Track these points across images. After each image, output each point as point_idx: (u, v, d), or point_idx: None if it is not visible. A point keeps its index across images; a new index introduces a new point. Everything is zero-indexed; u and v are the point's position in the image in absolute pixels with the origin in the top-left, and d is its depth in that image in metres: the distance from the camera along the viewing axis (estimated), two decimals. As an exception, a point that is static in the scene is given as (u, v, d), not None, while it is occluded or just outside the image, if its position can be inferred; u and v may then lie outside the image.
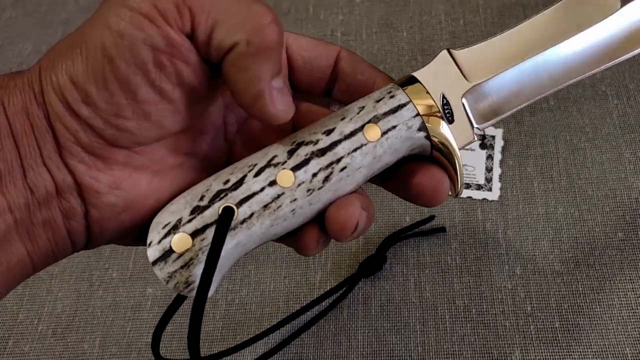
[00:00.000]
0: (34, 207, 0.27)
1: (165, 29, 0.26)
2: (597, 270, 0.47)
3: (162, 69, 0.26)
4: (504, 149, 0.54)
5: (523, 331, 0.46)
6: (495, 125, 0.55)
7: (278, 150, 0.30)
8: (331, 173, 0.29)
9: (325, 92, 0.34)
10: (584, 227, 0.50)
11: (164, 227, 0.28)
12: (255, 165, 0.29)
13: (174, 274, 0.28)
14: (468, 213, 0.52)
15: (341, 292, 0.48)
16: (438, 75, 0.32)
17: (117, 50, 0.25)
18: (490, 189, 0.52)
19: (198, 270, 0.28)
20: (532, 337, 0.45)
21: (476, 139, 0.32)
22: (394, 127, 0.30)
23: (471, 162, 0.54)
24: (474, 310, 0.47)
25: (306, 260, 0.51)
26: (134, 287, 0.51)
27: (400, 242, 0.51)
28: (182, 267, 0.28)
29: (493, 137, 0.55)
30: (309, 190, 0.29)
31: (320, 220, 0.31)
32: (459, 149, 0.31)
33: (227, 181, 0.29)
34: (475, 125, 0.32)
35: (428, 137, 0.31)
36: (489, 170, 0.53)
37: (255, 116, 0.29)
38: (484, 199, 0.52)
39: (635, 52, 0.33)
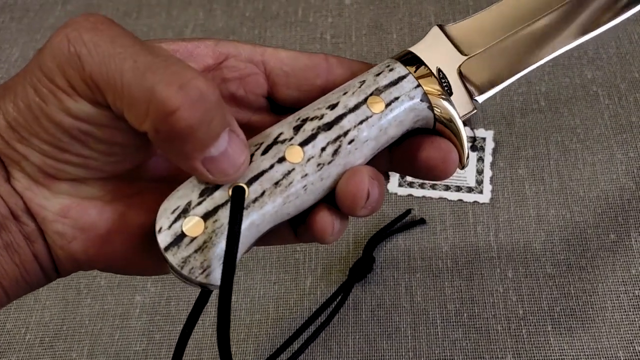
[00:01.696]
0: None
1: (80, 102, 0.25)
2: (589, 273, 0.47)
3: (89, 135, 0.26)
4: (494, 151, 0.54)
5: (515, 335, 0.45)
6: (486, 127, 0.55)
7: (283, 128, 0.29)
8: (340, 146, 0.29)
9: None
10: (576, 229, 0.49)
11: (173, 212, 0.27)
12: (262, 143, 0.28)
13: (188, 259, 0.26)
14: (459, 216, 0.51)
15: (337, 301, 0.47)
16: (432, 50, 0.32)
17: (42, 112, 0.25)
18: (481, 192, 0.52)
19: (213, 253, 0.27)
20: (524, 341, 0.45)
21: (476, 109, 0.32)
22: (397, 98, 0.30)
23: (462, 165, 0.53)
24: (465, 314, 0.47)
25: (296, 265, 0.51)
26: (122, 295, 0.50)
27: (387, 241, 0.50)
28: (196, 251, 0.27)
29: (484, 139, 0.54)
30: (319, 164, 0.28)
31: (330, 201, 0.30)
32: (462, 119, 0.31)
33: None
34: (474, 96, 0.32)
35: (430, 107, 0.31)
36: (479, 172, 0.53)
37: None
38: (475, 201, 0.51)
39: (635, 10, 0.33)
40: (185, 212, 0.27)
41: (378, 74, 0.31)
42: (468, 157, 0.31)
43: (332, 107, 0.29)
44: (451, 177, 0.53)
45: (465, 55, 0.32)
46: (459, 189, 0.52)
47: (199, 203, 0.27)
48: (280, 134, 0.29)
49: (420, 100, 0.30)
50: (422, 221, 0.51)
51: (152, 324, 0.49)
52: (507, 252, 0.49)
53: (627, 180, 0.51)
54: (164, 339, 0.48)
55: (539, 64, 0.32)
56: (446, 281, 0.48)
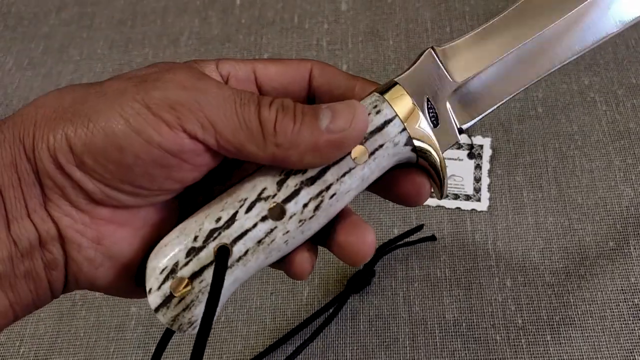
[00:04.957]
0: (17, 260, 0.27)
1: (181, 136, 0.26)
2: (588, 281, 0.47)
3: (169, 169, 0.27)
4: (492, 158, 0.53)
5: (514, 345, 0.45)
6: (484, 134, 0.55)
7: (267, 182, 0.29)
8: (321, 202, 0.29)
9: None
10: (575, 236, 0.49)
11: (161, 272, 0.28)
12: (246, 199, 0.29)
13: (177, 317, 0.28)
14: (457, 224, 0.51)
15: (331, 310, 0.47)
16: (423, 78, 0.31)
17: (127, 141, 0.26)
18: (479, 200, 0.52)
19: (199, 309, 0.28)
20: (523, 351, 0.44)
21: (460, 139, 0.32)
22: (381, 146, 0.30)
23: (459, 172, 0.53)
24: (464, 324, 0.46)
25: (293, 275, 0.50)
26: (117, 307, 0.50)
27: (388, 254, 0.50)
28: (184, 310, 0.28)
29: (481, 146, 0.54)
30: (300, 221, 0.29)
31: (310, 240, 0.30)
32: (444, 151, 0.31)
33: (219, 219, 0.29)
34: (458, 126, 0.32)
35: (414, 149, 0.30)
36: (477, 180, 0.52)
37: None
38: (472, 209, 0.51)
39: (617, 30, 0.33)
40: (173, 272, 0.28)
41: None
42: (447, 189, 0.32)
43: None
44: (449, 185, 0.52)
45: (457, 80, 0.31)
46: (456, 196, 0.52)
47: (186, 264, 0.28)
48: (264, 189, 0.29)
49: (405, 144, 0.30)
50: (432, 238, 0.50)
51: (148, 336, 0.48)
52: (506, 261, 0.48)
53: (625, 188, 0.50)
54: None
55: (532, 83, 0.32)
56: (444, 290, 0.48)
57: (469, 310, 0.47)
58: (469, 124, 0.32)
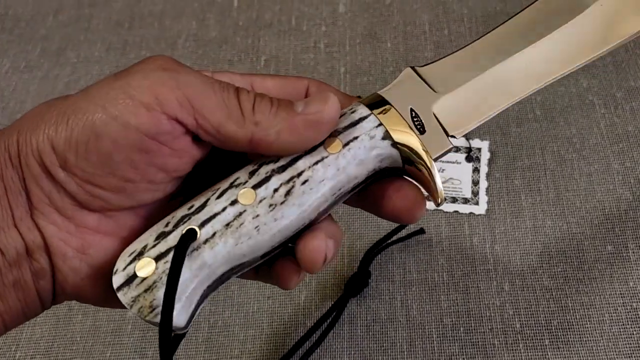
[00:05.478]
0: (5, 269, 0.27)
1: (158, 117, 0.26)
2: (586, 285, 0.46)
3: (149, 154, 0.27)
4: (490, 162, 0.53)
5: (512, 349, 0.45)
6: (482, 137, 0.54)
7: (241, 173, 0.30)
8: (292, 187, 0.29)
9: None
10: (573, 240, 0.49)
11: (130, 255, 0.28)
12: (219, 188, 0.30)
13: (137, 298, 0.28)
14: (455, 228, 0.51)
15: (332, 317, 0.47)
16: (404, 91, 0.32)
17: (106, 128, 0.26)
18: (477, 203, 0.51)
19: (162, 293, 0.28)
20: (521, 356, 0.44)
21: (453, 146, 0.32)
22: (356, 137, 0.30)
23: (457, 176, 0.53)
24: (462, 328, 0.46)
25: (290, 279, 0.50)
26: (114, 311, 0.50)
27: (382, 254, 0.50)
28: (145, 291, 0.28)
29: (479, 149, 0.54)
30: (270, 205, 0.29)
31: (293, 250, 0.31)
32: (437, 158, 0.31)
33: (192, 206, 0.29)
34: (450, 133, 0.32)
35: (395, 145, 0.30)
36: (475, 183, 0.52)
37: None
38: (470, 213, 0.51)
39: (602, 52, 0.33)
40: (140, 254, 0.28)
41: (340, 117, 0.31)
42: (441, 196, 0.31)
43: None
44: (447, 188, 0.52)
45: (440, 93, 0.32)
46: (454, 200, 0.52)
47: (154, 246, 0.28)
48: (237, 178, 0.30)
49: (382, 138, 0.30)
50: (421, 231, 0.50)
51: (144, 341, 0.48)
52: (504, 265, 0.48)
53: (623, 191, 0.50)
54: (156, 355, 0.47)
55: (514, 102, 0.32)
56: (442, 295, 0.48)
57: (466, 314, 0.46)
58: (460, 133, 0.32)
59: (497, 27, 0.34)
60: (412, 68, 0.33)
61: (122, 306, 0.30)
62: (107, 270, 0.29)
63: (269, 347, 0.47)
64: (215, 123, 0.27)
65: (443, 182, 0.52)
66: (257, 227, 0.29)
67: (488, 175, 0.53)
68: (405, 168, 0.31)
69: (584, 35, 0.32)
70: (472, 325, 0.46)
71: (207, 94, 0.27)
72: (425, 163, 0.30)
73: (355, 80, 0.61)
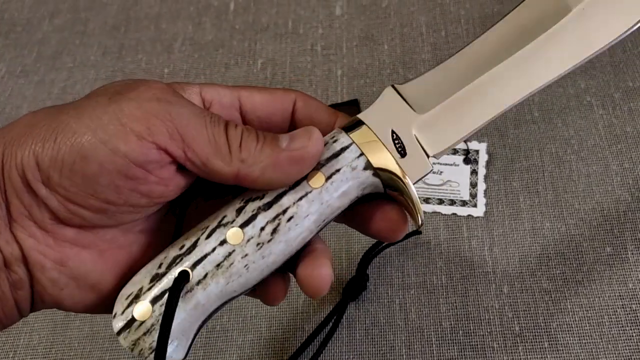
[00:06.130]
0: None
1: (147, 146, 0.27)
2: (585, 287, 0.46)
3: (134, 180, 0.27)
4: (488, 164, 0.53)
5: (511, 352, 0.44)
6: (479, 139, 0.54)
7: (228, 210, 0.30)
8: (279, 225, 0.30)
9: None
10: (572, 242, 0.48)
11: (127, 298, 0.29)
12: (207, 227, 0.30)
13: (137, 341, 0.29)
14: (453, 230, 0.50)
15: (332, 323, 0.46)
16: (386, 113, 0.32)
17: (94, 152, 0.26)
18: (475, 205, 0.51)
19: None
20: (520, 358, 0.44)
21: (433, 168, 0.32)
22: (338, 170, 0.30)
23: (455, 178, 0.53)
24: (461, 331, 0.46)
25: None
26: (111, 317, 0.50)
27: (381, 257, 0.49)
28: (144, 334, 0.29)
29: (477, 151, 0.54)
30: (258, 244, 0.30)
31: (281, 269, 0.31)
32: (417, 181, 0.32)
33: (183, 246, 0.30)
34: (430, 154, 0.32)
35: (376, 174, 0.31)
36: (473, 185, 0.52)
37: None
38: (469, 215, 0.51)
39: (583, 59, 0.33)
40: (137, 297, 0.29)
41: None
42: (422, 218, 0.32)
43: None
44: (445, 191, 0.52)
45: (420, 113, 0.32)
46: (452, 202, 0.52)
47: (149, 288, 0.29)
48: (224, 216, 0.30)
49: (364, 168, 0.31)
50: (417, 232, 0.50)
51: (142, 346, 0.48)
52: (502, 267, 0.48)
53: (622, 192, 0.50)
54: None
55: (496, 116, 0.32)
56: (441, 298, 0.47)
57: (465, 317, 0.46)
58: (440, 153, 0.32)
59: (476, 38, 0.33)
60: (393, 87, 0.33)
61: (102, 312, 0.31)
62: (88, 281, 0.29)
63: (268, 352, 0.47)
64: (203, 158, 0.28)
65: (441, 185, 0.52)
66: (246, 265, 0.30)
67: (486, 177, 0.52)
68: (387, 192, 0.32)
69: (566, 44, 0.32)
70: (471, 328, 0.46)
71: (198, 128, 0.28)
72: (405, 189, 0.31)
73: (352, 82, 0.61)
